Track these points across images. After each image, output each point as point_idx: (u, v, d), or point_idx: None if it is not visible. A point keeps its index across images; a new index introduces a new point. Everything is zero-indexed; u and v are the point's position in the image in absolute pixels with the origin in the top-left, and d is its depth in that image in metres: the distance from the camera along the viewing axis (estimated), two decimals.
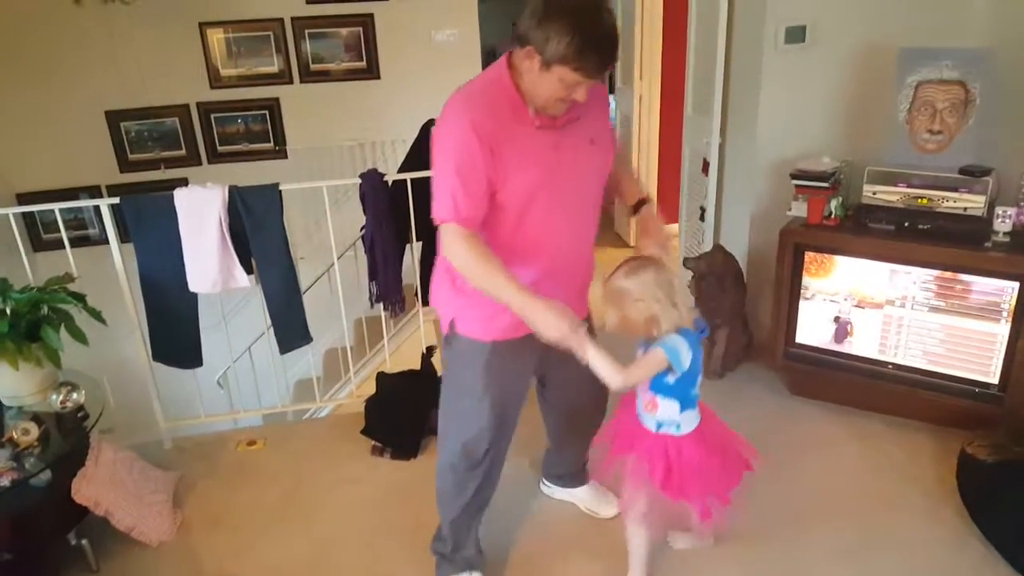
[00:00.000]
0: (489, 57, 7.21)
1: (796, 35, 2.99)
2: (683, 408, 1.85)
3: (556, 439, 2.42)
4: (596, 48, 1.55)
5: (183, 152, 4.59)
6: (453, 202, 1.66)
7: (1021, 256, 2.51)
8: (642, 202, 2.02)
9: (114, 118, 4.44)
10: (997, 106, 2.68)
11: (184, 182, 4.53)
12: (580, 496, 2.49)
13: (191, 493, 2.69)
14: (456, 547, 2.16)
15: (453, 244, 1.69)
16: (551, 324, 1.64)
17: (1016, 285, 2.51)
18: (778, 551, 2.29)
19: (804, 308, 2.92)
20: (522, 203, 1.74)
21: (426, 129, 3.40)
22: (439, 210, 1.70)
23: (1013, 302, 2.53)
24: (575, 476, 2.48)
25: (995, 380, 2.64)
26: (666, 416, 1.86)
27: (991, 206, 2.61)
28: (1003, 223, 2.59)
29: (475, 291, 1.76)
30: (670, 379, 1.80)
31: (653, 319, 1.76)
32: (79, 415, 2.42)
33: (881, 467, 2.65)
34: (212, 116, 4.55)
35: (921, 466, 2.63)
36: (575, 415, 2.29)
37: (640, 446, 1.91)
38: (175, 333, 2.82)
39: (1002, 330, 2.58)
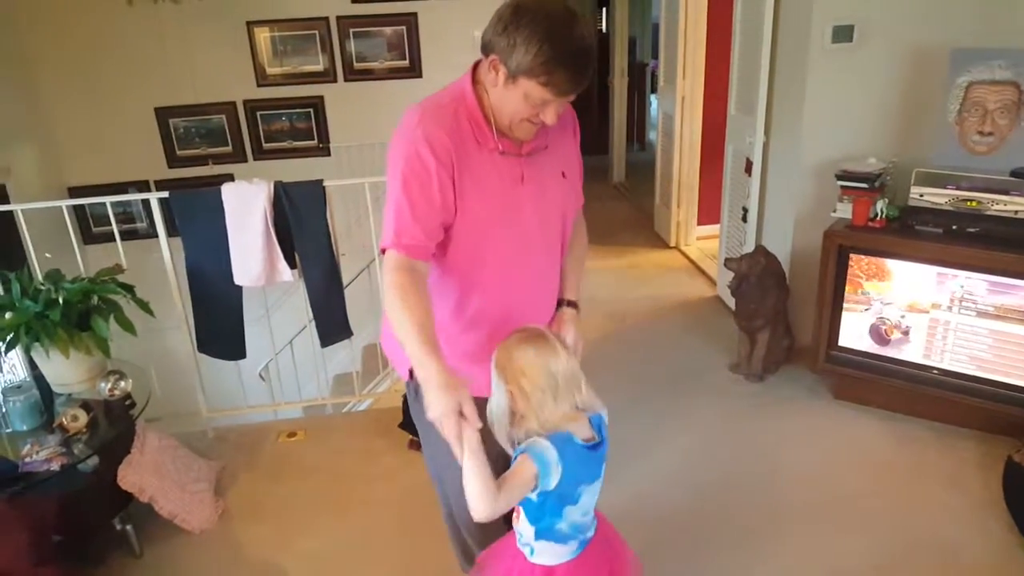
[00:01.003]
0: None
1: (844, 34, 2.95)
2: (538, 536, 1.42)
3: None
4: (567, 62, 1.36)
5: (229, 148, 4.68)
6: (396, 226, 1.43)
7: None
8: (569, 304, 1.69)
9: (163, 115, 4.55)
10: None
11: (230, 178, 4.67)
12: None
13: (233, 482, 2.75)
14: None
15: (389, 273, 1.42)
16: (437, 399, 1.29)
17: None
18: (819, 558, 2.27)
19: (848, 311, 2.88)
20: (475, 241, 1.50)
21: None
22: (384, 235, 1.46)
23: None
24: None
25: None
26: (522, 531, 1.46)
27: None
28: None
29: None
30: (532, 495, 1.35)
31: (518, 412, 1.34)
32: (126, 403, 2.48)
33: (926, 474, 2.60)
34: (258, 114, 4.64)
35: (967, 474, 2.57)
36: None
37: (499, 547, 1.59)
38: (220, 325, 2.89)
39: None
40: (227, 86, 4.57)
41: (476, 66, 1.50)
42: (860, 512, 2.43)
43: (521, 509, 1.43)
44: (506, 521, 1.68)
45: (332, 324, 2.92)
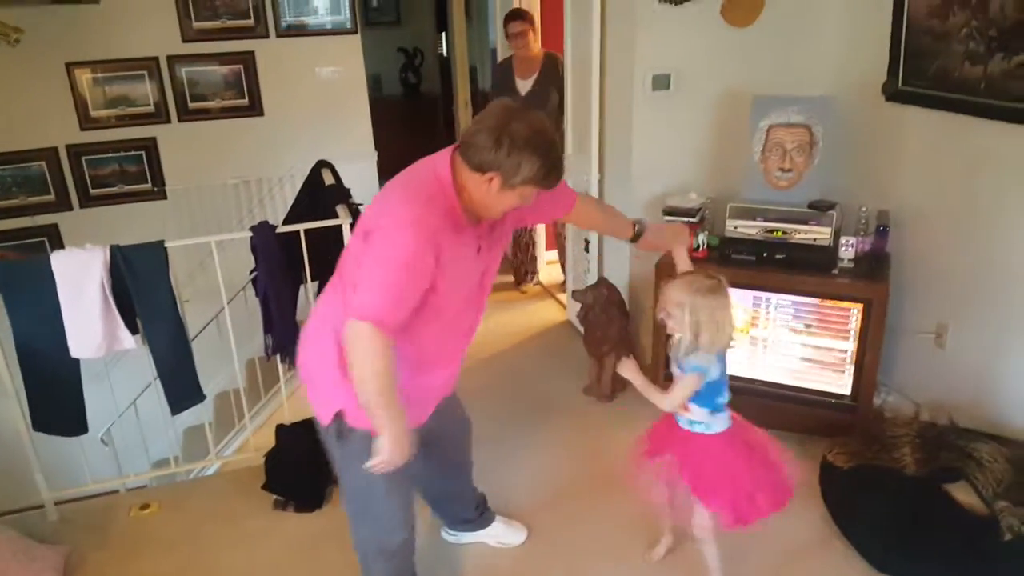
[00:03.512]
0: (374, 84, 7.20)
1: (662, 82, 3.23)
2: (712, 412, 2.12)
3: (455, 488, 2.48)
4: (559, 167, 1.71)
5: (52, 197, 4.33)
6: (384, 306, 1.63)
7: (862, 281, 2.82)
8: (638, 224, 2.18)
9: None
10: (838, 147, 3.01)
11: (54, 228, 4.36)
12: (491, 533, 2.56)
13: (83, 567, 2.57)
14: None
15: (367, 343, 1.62)
16: (399, 450, 1.69)
17: (859, 307, 2.82)
18: (668, 555, 2.49)
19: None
20: (444, 305, 1.77)
21: (316, 171, 3.41)
22: (365, 308, 1.63)
23: (858, 322, 2.84)
24: (482, 515, 2.55)
25: (848, 391, 2.95)
26: (697, 418, 2.13)
27: (836, 236, 2.91)
28: (846, 251, 2.90)
29: None
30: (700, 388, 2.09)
31: (696, 335, 2.00)
32: None
33: None
34: (83, 159, 4.34)
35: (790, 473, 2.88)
36: (463, 457, 2.43)
37: (674, 445, 2.18)
38: (57, 401, 2.69)
39: (850, 347, 2.89)
40: (45, 131, 4.24)
41: (452, 167, 1.71)
42: None
43: (690, 406, 2.10)
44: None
45: (182, 390, 2.79)
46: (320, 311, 1.91)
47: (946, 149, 2.78)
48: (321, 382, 1.86)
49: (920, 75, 2.81)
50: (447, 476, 2.43)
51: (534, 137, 1.64)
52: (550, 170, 1.68)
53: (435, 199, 1.69)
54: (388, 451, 1.67)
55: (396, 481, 1.90)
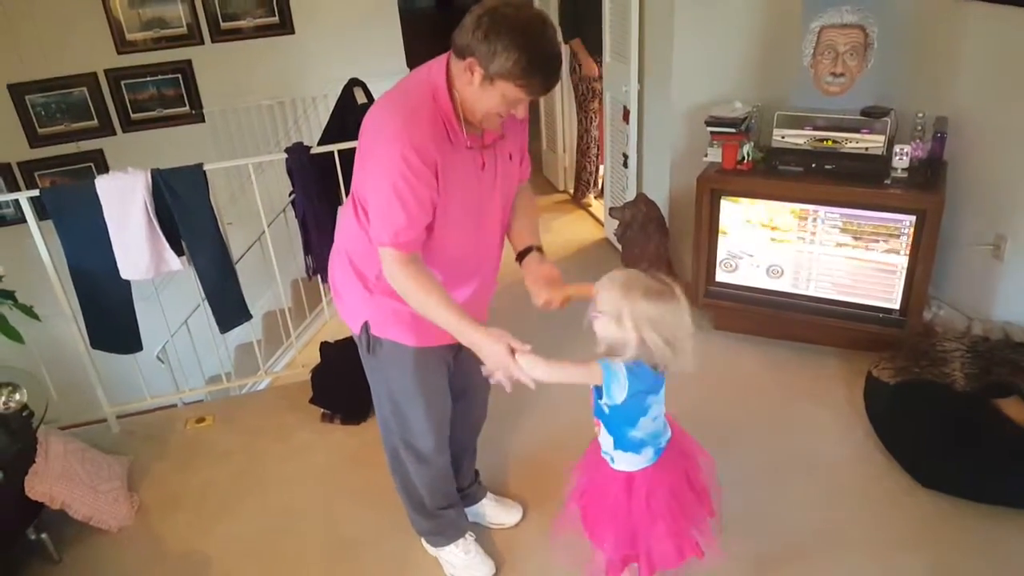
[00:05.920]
0: (405, 4, 6.97)
1: None
2: (616, 445, 1.68)
3: (457, 454, 2.22)
4: (542, 67, 1.52)
5: (95, 123, 4.41)
6: (393, 228, 1.60)
7: (916, 192, 2.70)
8: (529, 250, 1.88)
9: (17, 91, 4.22)
10: (893, 49, 2.82)
11: (99, 154, 4.43)
12: (483, 511, 2.36)
13: (146, 476, 2.73)
14: (438, 522, 2.16)
15: (395, 270, 1.65)
16: (491, 354, 1.61)
17: (912, 218, 2.71)
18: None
19: (723, 247, 3.09)
20: (448, 224, 1.70)
21: (348, 90, 3.36)
22: (380, 235, 1.63)
23: (911, 234, 2.74)
24: (475, 490, 2.36)
25: (897, 306, 2.87)
26: (603, 444, 1.72)
27: (890, 144, 2.77)
28: (900, 160, 2.76)
29: (392, 293, 1.72)
30: (603, 406, 1.65)
31: (622, 343, 1.55)
32: (24, 414, 2.40)
33: (797, 391, 2.86)
34: (122, 83, 4.37)
35: (833, 388, 2.86)
36: (476, 424, 2.29)
37: (587, 460, 1.83)
38: (111, 320, 2.80)
39: (901, 260, 2.79)
40: (84, 56, 4.27)
41: (447, 65, 1.59)
42: (739, 431, 2.65)
43: (600, 422, 1.69)
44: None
45: (229, 309, 2.87)
46: (338, 228, 1.92)
47: (1013, 50, 2.58)
48: (346, 295, 1.88)
49: None
50: (461, 431, 2.21)
51: (519, 25, 1.48)
52: (529, 66, 1.49)
53: (422, 108, 1.58)
54: (489, 361, 1.62)
55: (428, 391, 1.93)
